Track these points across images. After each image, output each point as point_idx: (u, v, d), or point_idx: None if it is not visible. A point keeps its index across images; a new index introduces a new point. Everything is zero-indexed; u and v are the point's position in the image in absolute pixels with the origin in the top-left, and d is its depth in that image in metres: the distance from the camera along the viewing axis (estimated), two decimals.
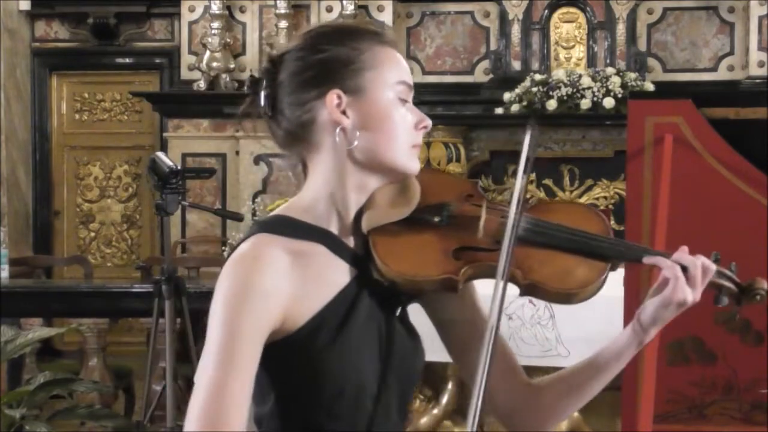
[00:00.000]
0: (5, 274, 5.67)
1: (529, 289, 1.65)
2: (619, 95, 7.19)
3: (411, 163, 1.67)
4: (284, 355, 1.59)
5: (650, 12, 7.88)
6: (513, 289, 1.64)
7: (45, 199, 8.83)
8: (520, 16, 7.87)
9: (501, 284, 1.56)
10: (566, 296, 1.66)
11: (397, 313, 1.70)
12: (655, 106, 2.92)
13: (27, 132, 8.74)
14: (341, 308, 1.62)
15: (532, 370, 4.12)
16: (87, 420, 4.80)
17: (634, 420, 2.59)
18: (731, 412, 2.89)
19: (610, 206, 7.32)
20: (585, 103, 7.27)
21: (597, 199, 7.46)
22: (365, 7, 7.87)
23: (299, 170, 1.71)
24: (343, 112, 1.64)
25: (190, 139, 7.88)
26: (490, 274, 1.61)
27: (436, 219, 1.67)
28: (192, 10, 8.09)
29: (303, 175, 1.70)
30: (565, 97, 7.29)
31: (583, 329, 3.71)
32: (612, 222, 6.67)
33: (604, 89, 7.27)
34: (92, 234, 8.93)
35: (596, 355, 1.73)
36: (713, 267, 1.66)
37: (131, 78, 8.88)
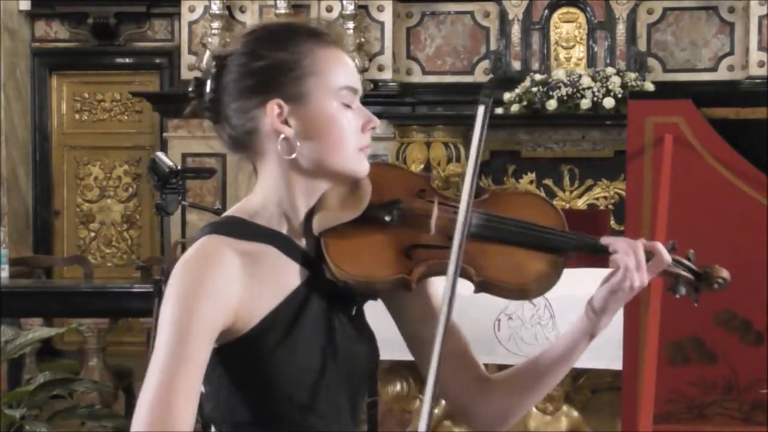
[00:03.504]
0: (5, 274, 5.67)
1: (483, 286, 1.64)
2: (619, 95, 7.19)
3: (359, 166, 1.65)
4: (235, 356, 1.59)
5: (650, 12, 7.87)
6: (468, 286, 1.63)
7: (45, 199, 8.83)
8: (520, 16, 7.87)
9: (451, 283, 1.53)
10: (521, 291, 1.66)
11: (352, 313, 1.69)
12: (655, 106, 2.92)
13: (27, 132, 8.74)
14: (292, 310, 1.61)
15: None
16: (87, 420, 4.80)
17: (634, 420, 2.58)
18: (731, 412, 2.90)
19: (610, 206, 7.32)
20: (585, 103, 7.26)
21: (597, 199, 7.46)
22: (365, 7, 7.87)
23: (251, 171, 1.70)
24: (285, 121, 1.62)
25: (190, 139, 7.88)
26: (444, 271, 1.58)
27: (387, 218, 1.65)
28: (192, 10, 8.09)
29: (255, 178, 1.69)
30: (565, 97, 7.29)
31: None
32: (612, 222, 6.67)
33: (604, 89, 7.27)
34: (92, 234, 8.93)
35: (549, 349, 1.73)
36: (667, 255, 1.64)
37: (131, 78, 8.88)
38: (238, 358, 1.59)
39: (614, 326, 2.93)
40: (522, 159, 7.51)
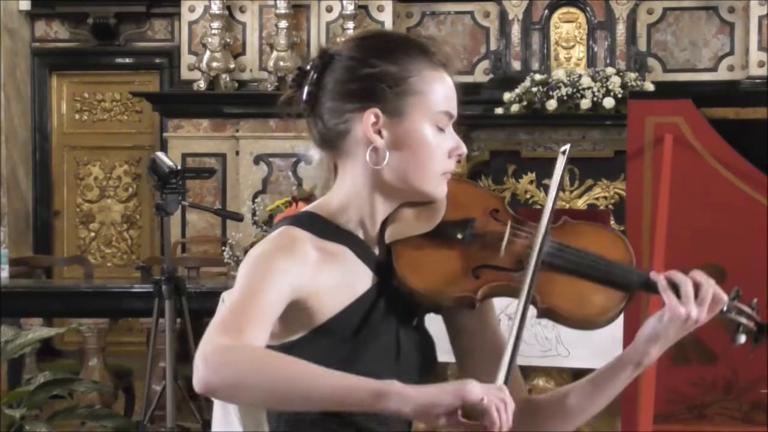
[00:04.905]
0: (5, 274, 5.66)
1: (546, 313, 1.66)
2: (619, 95, 7.19)
3: (438, 189, 1.69)
4: (303, 352, 1.59)
5: (650, 12, 7.87)
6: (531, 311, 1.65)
7: (45, 199, 8.83)
8: (520, 16, 7.87)
9: (521, 308, 1.56)
10: (583, 323, 1.68)
11: (413, 323, 1.72)
12: (655, 106, 2.92)
13: (27, 132, 8.74)
14: (360, 312, 1.64)
15: (532, 370, 4.12)
16: (87, 420, 4.80)
17: (634, 420, 2.58)
18: (731, 412, 2.89)
19: (610, 206, 7.31)
20: (585, 103, 7.26)
21: (597, 199, 7.46)
22: (365, 7, 7.86)
23: (330, 169, 1.73)
24: (378, 132, 1.65)
25: (190, 139, 7.87)
26: (508, 293, 1.62)
27: (459, 235, 1.68)
28: (192, 10, 8.09)
29: (333, 176, 1.72)
30: (565, 97, 7.29)
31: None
32: (612, 222, 6.66)
33: (604, 89, 7.27)
34: (92, 234, 8.93)
35: (594, 376, 1.74)
36: (724, 297, 1.66)
37: (131, 78, 8.88)
38: (305, 355, 1.59)
39: (614, 326, 2.94)
40: (522, 159, 7.51)
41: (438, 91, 1.67)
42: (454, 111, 1.70)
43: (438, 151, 1.67)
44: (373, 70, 1.65)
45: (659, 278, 1.66)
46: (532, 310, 1.64)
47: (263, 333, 1.50)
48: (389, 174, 1.65)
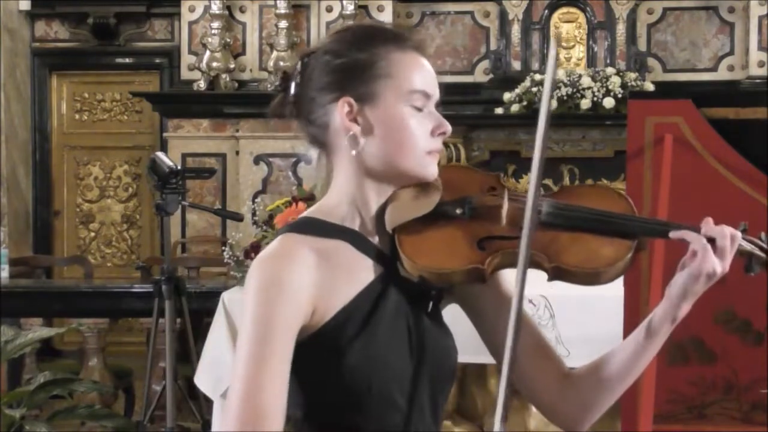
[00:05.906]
0: (5, 274, 5.67)
1: (556, 273, 1.65)
2: (619, 95, 7.19)
3: (426, 169, 1.69)
4: (312, 352, 1.61)
5: (650, 12, 7.88)
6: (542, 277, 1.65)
7: (45, 199, 8.83)
8: (520, 16, 7.87)
9: (522, 265, 1.56)
10: (593, 276, 1.65)
11: (428, 310, 1.71)
12: (655, 106, 2.91)
13: (27, 132, 8.74)
14: (366, 304, 1.64)
15: None
16: (87, 420, 4.81)
17: (634, 420, 2.58)
18: (731, 412, 2.89)
19: None
20: (585, 103, 7.26)
21: None
22: (365, 7, 7.86)
23: (329, 171, 1.75)
24: (355, 120, 1.67)
25: (190, 139, 7.87)
26: (515, 262, 1.60)
27: (459, 211, 1.69)
28: (192, 10, 8.09)
29: (332, 176, 1.74)
30: (565, 97, 7.29)
31: (583, 329, 3.70)
32: None
33: (604, 89, 7.27)
34: (92, 234, 8.93)
35: (630, 339, 1.71)
36: (739, 235, 1.65)
37: (131, 78, 8.88)
38: (315, 355, 1.61)
39: (614, 325, 2.94)
40: (522, 159, 7.51)
41: (409, 72, 1.69)
42: (431, 90, 1.72)
43: (418, 130, 1.68)
44: (343, 60, 1.68)
45: (703, 232, 1.64)
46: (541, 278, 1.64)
47: (282, 395, 1.55)
48: (372, 159, 1.67)
